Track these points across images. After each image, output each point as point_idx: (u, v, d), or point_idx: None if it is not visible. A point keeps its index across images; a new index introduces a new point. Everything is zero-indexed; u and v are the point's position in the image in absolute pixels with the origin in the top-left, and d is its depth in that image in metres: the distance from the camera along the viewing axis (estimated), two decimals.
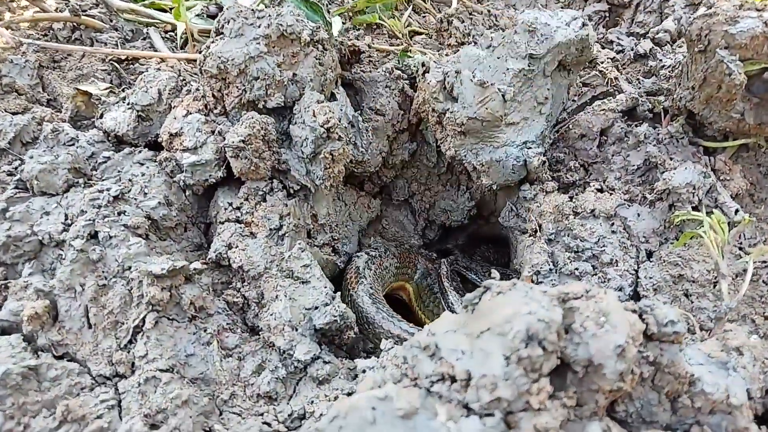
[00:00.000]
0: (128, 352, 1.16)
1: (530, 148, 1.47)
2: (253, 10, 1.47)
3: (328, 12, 1.76)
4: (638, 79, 1.90)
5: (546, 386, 0.79)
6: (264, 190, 1.43)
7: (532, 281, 1.43)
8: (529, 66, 1.45)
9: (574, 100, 1.73)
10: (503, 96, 1.43)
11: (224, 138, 1.40)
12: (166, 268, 1.14)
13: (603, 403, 0.86)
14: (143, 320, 1.16)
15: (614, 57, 1.91)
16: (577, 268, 1.40)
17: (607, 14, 2.54)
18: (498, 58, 1.47)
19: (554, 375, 0.83)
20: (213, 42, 1.46)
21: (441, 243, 2.06)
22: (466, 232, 2.04)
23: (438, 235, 1.95)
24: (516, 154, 1.48)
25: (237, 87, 1.44)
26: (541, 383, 0.79)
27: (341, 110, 1.52)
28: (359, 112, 1.63)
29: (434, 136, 1.58)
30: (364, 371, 1.07)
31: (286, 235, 1.38)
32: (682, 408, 0.95)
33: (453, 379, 0.84)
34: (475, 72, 1.46)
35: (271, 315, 1.24)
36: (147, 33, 2.03)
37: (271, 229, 1.38)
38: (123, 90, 1.68)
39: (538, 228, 1.52)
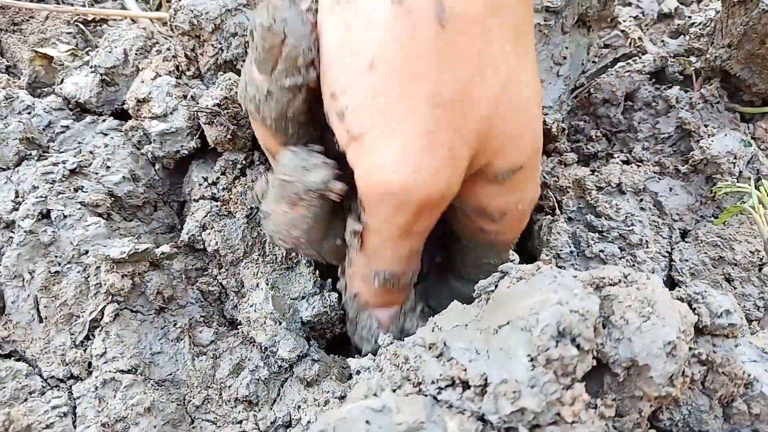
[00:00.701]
0: (84, 350, 1.03)
1: (547, 114, 1.33)
2: None
3: None
4: (663, 40, 1.76)
5: (581, 394, 0.66)
6: (243, 162, 1.29)
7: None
8: (545, 21, 1.31)
9: (594, 62, 1.59)
10: None
11: (198, 103, 1.26)
12: (127, 251, 1.00)
13: (647, 411, 0.73)
14: (101, 313, 1.03)
15: (637, 15, 1.77)
16: (602, 250, 1.26)
17: None
18: None
19: (588, 379, 0.70)
20: None
21: (444, 224, 1.93)
22: None
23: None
24: None
25: (212, 45, 1.30)
26: (575, 390, 0.66)
27: None
28: None
29: None
30: (358, 372, 0.94)
31: None
32: (736, 414, 0.83)
33: (466, 385, 0.70)
34: None
35: (251, 306, 1.10)
36: None
37: (252, 208, 1.24)
38: (87, 53, 1.53)
39: (556, 205, 1.38)
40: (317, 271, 1.18)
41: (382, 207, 0.83)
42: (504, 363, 0.68)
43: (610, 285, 0.77)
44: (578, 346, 0.66)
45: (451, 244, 1.11)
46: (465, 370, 0.70)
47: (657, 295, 0.73)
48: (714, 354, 0.78)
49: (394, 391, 0.76)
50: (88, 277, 1.06)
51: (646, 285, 0.76)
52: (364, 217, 0.88)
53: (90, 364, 1.02)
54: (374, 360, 0.96)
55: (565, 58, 1.33)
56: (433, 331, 0.84)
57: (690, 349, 0.76)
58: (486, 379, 0.68)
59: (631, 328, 0.71)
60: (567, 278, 0.74)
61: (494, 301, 0.81)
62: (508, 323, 0.72)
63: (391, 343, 1.10)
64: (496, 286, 0.83)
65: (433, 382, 0.72)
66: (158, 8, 1.87)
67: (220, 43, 1.29)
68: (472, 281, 0.91)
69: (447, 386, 0.71)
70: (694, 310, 0.79)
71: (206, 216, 1.23)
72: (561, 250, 1.29)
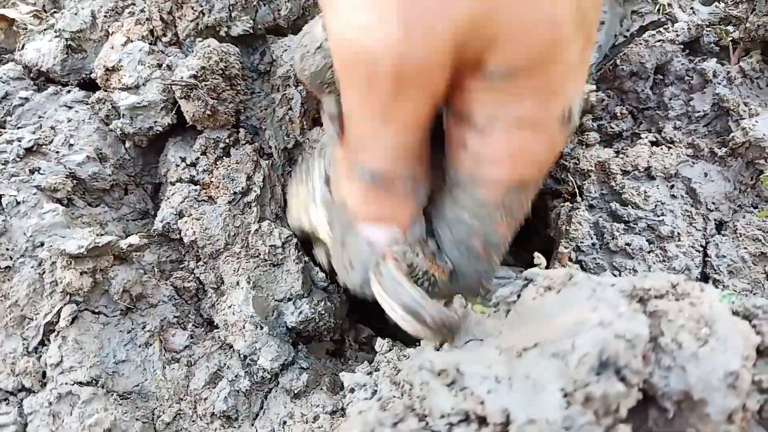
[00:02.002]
0: (38, 358, 0.91)
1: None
2: None
3: None
4: (692, 7, 1.62)
5: None
6: (227, 141, 1.17)
7: (570, 259, 1.17)
8: None
9: (624, 35, 1.46)
10: None
11: (174, 73, 1.13)
12: (85, 245, 0.88)
13: None
14: (57, 315, 0.91)
15: None
16: (628, 243, 1.14)
17: None
18: None
19: (630, 414, 0.58)
20: None
21: None
22: None
23: None
24: None
25: (192, 8, 1.17)
26: None
27: (327, 40, 1.25)
28: None
29: None
30: (352, 390, 0.83)
31: (255, 201, 1.11)
32: None
33: (483, 422, 0.59)
34: None
35: (230, 308, 0.99)
36: None
37: (235, 193, 1.12)
38: (53, 15, 1.39)
39: (577, 191, 1.26)
40: (308, 269, 1.07)
41: (354, 78, 0.69)
42: (531, 397, 0.57)
43: (657, 298, 0.66)
44: (624, 380, 0.55)
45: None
46: (482, 403, 0.59)
47: (715, 313, 0.62)
48: None
49: (395, 425, 0.64)
50: (43, 273, 0.94)
51: (700, 299, 0.64)
52: (342, 98, 0.74)
53: (44, 374, 0.90)
54: (371, 375, 0.85)
55: (602, 23, 1.19)
56: (438, 350, 0.73)
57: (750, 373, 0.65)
58: (508, 416, 0.56)
59: (685, 354, 0.59)
60: (608, 291, 0.63)
61: (517, 314, 0.70)
62: (535, 346, 0.61)
63: (390, 350, 0.99)
64: (519, 296, 0.71)
65: (442, 417, 0.61)
66: None
67: (201, 6, 1.16)
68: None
69: (460, 422, 0.60)
70: (754, 327, 0.67)
71: (183, 201, 1.11)
72: (582, 242, 1.17)
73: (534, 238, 1.62)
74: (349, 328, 1.40)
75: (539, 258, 0.75)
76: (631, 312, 0.59)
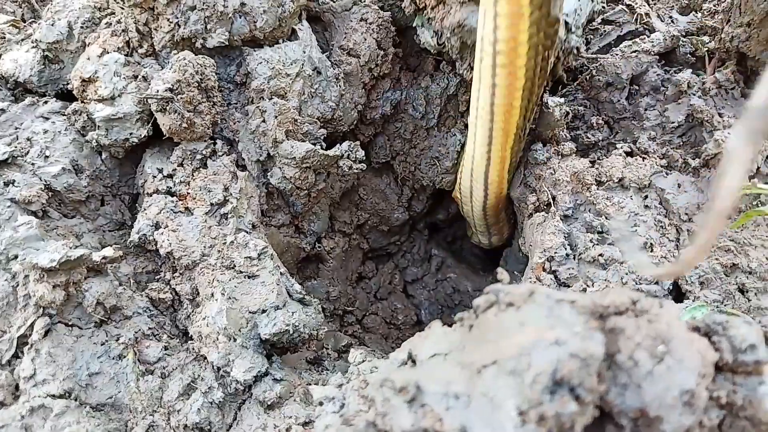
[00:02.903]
0: (11, 371, 0.92)
1: (567, 22, 1.18)
2: None
3: None
4: (671, 16, 1.64)
5: None
6: (204, 153, 1.18)
7: (544, 269, 1.19)
8: None
9: (602, 33, 1.47)
10: None
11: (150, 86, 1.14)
12: (58, 259, 0.89)
13: None
14: (31, 328, 0.92)
15: None
16: (601, 254, 1.16)
17: None
18: None
19: (587, 430, 0.59)
20: None
21: (430, 215, 1.82)
22: None
23: (426, 206, 1.70)
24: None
25: (168, 20, 1.18)
26: None
27: (304, 53, 1.26)
28: (328, 53, 1.36)
29: (433, 26, 1.25)
30: (321, 403, 0.84)
31: (231, 213, 1.12)
32: None
33: None
34: None
35: (204, 319, 1.00)
36: None
37: (212, 204, 1.13)
38: (31, 25, 1.40)
39: (551, 201, 1.27)
40: (283, 281, 1.07)
41: None
42: (488, 415, 0.59)
43: (616, 314, 0.67)
44: (578, 398, 0.56)
45: None
46: (441, 420, 0.60)
47: (673, 330, 0.63)
48: (735, 395, 0.68)
49: None
50: (17, 286, 0.94)
51: (659, 316, 0.65)
52: None
53: (17, 387, 0.91)
54: (342, 387, 0.86)
55: None
56: (405, 364, 0.74)
57: (708, 390, 0.66)
58: None
59: (641, 372, 0.60)
60: (566, 309, 0.64)
61: (479, 330, 0.71)
62: (494, 363, 0.62)
63: (363, 361, 1.00)
64: (482, 311, 0.72)
65: None
66: None
67: (177, 18, 1.17)
68: None
69: None
70: (714, 344, 0.68)
71: (160, 213, 1.12)
72: (555, 253, 1.18)
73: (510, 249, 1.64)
74: (328, 336, 1.41)
75: (502, 273, 0.76)
76: (586, 331, 0.60)
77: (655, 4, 1.69)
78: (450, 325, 0.77)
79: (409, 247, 1.84)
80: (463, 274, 1.84)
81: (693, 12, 1.57)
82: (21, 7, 1.55)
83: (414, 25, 1.35)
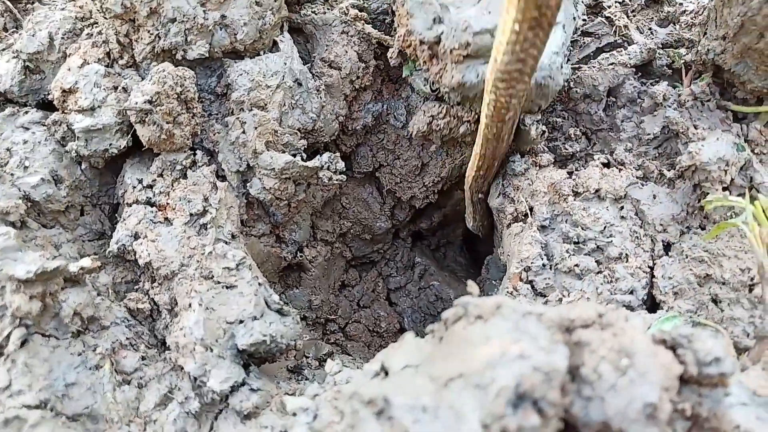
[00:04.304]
0: None
1: (557, 56, 1.19)
2: None
3: None
4: (650, 28, 1.65)
5: None
6: (184, 163, 1.18)
7: (521, 279, 1.19)
8: None
9: (581, 45, 1.48)
10: None
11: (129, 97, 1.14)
12: (34, 270, 0.89)
13: None
14: (7, 339, 0.91)
15: (623, 1, 1.66)
16: (577, 264, 1.17)
17: None
18: None
19: None
20: None
21: (413, 223, 1.83)
22: (441, 210, 1.80)
23: (409, 215, 1.71)
24: (547, 56, 1.19)
25: (148, 31, 1.18)
26: None
27: (285, 65, 1.26)
28: (309, 65, 1.36)
29: (427, 77, 1.28)
30: (294, 414, 0.84)
31: (211, 223, 1.12)
32: None
33: None
34: None
35: (181, 330, 1.00)
36: None
37: (191, 215, 1.13)
38: (12, 35, 1.40)
39: (528, 212, 1.28)
40: (261, 292, 1.07)
41: None
42: (453, 427, 0.59)
43: (583, 327, 0.68)
44: (541, 412, 0.57)
45: None
46: None
47: (637, 344, 0.64)
48: (700, 406, 0.69)
49: None
50: None
51: (624, 330, 0.66)
52: None
53: None
54: (313, 399, 0.86)
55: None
56: (378, 375, 0.74)
57: (672, 402, 0.66)
58: None
59: (604, 385, 0.61)
60: (532, 323, 0.65)
61: (448, 343, 0.71)
62: (460, 376, 0.63)
63: (339, 371, 1.01)
64: (451, 326, 0.73)
65: None
66: None
67: (157, 29, 1.17)
68: None
69: None
70: (679, 357, 0.69)
71: (139, 223, 1.12)
72: (532, 263, 1.19)
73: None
74: (309, 345, 1.41)
75: (472, 286, 0.77)
76: (550, 344, 0.61)
77: (634, 15, 1.70)
78: (423, 336, 0.77)
79: (393, 255, 1.84)
80: (445, 281, 1.84)
81: (671, 24, 1.58)
82: (3, 16, 1.54)
83: (404, 75, 1.37)
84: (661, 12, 1.65)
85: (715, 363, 0.68)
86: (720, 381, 0.69)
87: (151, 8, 1.15)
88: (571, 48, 1.50)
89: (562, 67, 1.20)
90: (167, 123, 1.11)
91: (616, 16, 1.57)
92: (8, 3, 1.54)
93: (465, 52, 1.14)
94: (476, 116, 1.30)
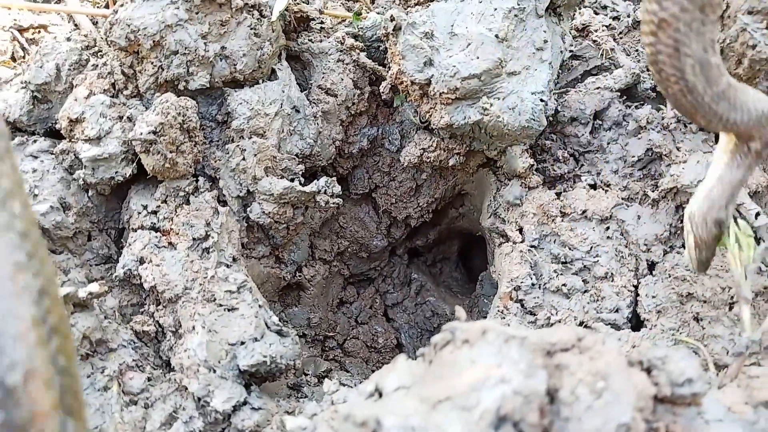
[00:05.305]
0: None
1: (543, 100, 1.25)
2: None
3: None
4: (637, 50, 1.70)
5: None
6: (186, 190, 1.23)
7: (511, 298, 1.24)
8: (518, 4, 1.24)
9: (569, 67, 1.53)
10: (496, 36, 1.22)
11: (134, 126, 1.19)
12: None
13: None
14: None
15: (610, 24, 1.71)
16: (564, 284, 1.21)
17: None
18: (480, 2, 1.26)
19: None
20: (122, 5, 1.24)
21: (409, 240, 1.87)
22: (437, 227, 1.84)
23: (405, 233, 1.75)
24: (531, 99, 1.26)
25: (152, 63, 1.23)
26: None
27: (283, 92, 1.31)
28: (307, 92, 1.41)
29: (417, 110, 1.35)
30: None
31: (213, 247, 1.17)
32: None
33: None
34: (455, 23, 1.25)
35: (185, 352, 1.04)
36: None
37: (194, 239, 1.18)
38: (20, 64, 1.45)
39: (518, 232, 1.32)
40: (261, 314, 1.12)
41: None
42: None
43: (562, 351, 0.72)
44: None
45: None
46: None
47: (612, 367, 0.69)
48: (675, 424, 0.74)
49: None
50: None
51: (600, 353, 0.71)
52: None
53: None
54: (312, 418, 0.91)
55: (546, 41, 1.25)
56: (372, 396, 0.78)
57: (647, 421, 0.71)
58: None
59: (581, 407, 0.66)
60: (513, 348, 0.69)
61: (437, 366, 0.76)
62: (447, 398, 0.67)
63: (337, 390, 1.05)
64: (440, 350, 0.77)
65: None
66: (106, 6, 1.78)
67: (160, 61, 1.22)
68: None
69: None
70: (653, 377, 0.73)
71: (144, 248, 1.17)
72: (522, 282, 1.24)
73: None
74: (308, 362, 1.45)
75: (460, 312, 0.81)
76: (530, 369, 0.65)
77: (621, 37, 1.75)
78: (415, 358, 0.82)
79: (390, 272, 1.88)
80: (441, 297, 1.89)
81: None
82: (12, 43, 1.59)
83: (395, 105, 1.44)
84: None
85: (687, 383, 0.72)
86: (693, 400, 0.73)
87: (154, 41, 1.20)
88: (560, 71, 1.55)
89: (546, 104, 1.26)
90: (171, 152, 1.16)
91: (602, 39, 1.62)
92: (15, 32, 1.59)
93: (453, 96, 1.22)
94: (466, 148, 1.36)
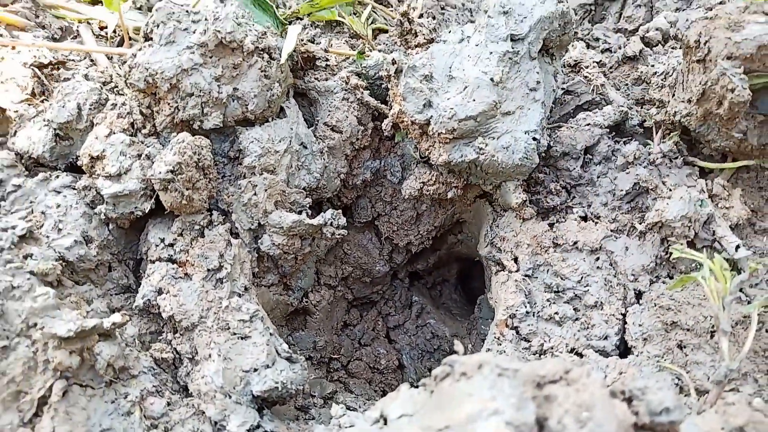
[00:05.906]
0: (32, 429, 1.03)
1: (536, 139, 1.34)
2: (187, 11, 1.33)
3: (284, 22, 1.62)
4: (627, 84, 1.79)
5: None
6: (201, 224, 1.30)
7: (507, 326, 1.31)
8: (513, 48, 1.33)
9: (562, 102, 1.61)
10: (491, 79, 1.30)
11: (153, 163, 1.26)
12: (74, 329, 1.00)
13: None
14: (50, 390, 1.03)
15: (600, 60, 1.79)
16: (557, 312, 1.29)
17: (593, 8, 2.42)
18: (476, 45, 1.34)
19: None
20: (140, 50, 1.32)
21: (410, 264, 1.95)
22: (437, 252, 1.92)
23: (406, 258, 1.83)
24: (524, 138, 1.34)
25: (169, 104, 1.31)
26: None
27: (291, 130, 1.39)
28: (313, 128, 1.50)
29: (417, 146, 1.44)
30: None
31: (226, 277, 1.24)
32: None
33: None
34: (453, 65, 1.34)
35: (203, 378, 1.12)
36: (77, 30, 1.87)
37: (208, 270, 1.25)
38: (42, 101, 1.52)
39: (513, 261, 1.40)
40: (272, 341, 1.19)
41: None
42: None
43: (551, 383, 0.79)
44: None
45: None
46: None
47: (596, 399, 0.75)
48: None
49: None
50: (36, 352, 1.06)
51: (585, 386, 0.78)
52: None
53: None
54: None
55: (538, 82, 1.34)
56: (377, 422, 0.85)
57: None
58: None
59: None
60: (506, 382, 0.76)
61: (438, 397, 0.83)
62: (447, 428, 0.74)
63: (344, 414, 1.12)
64: (440, 382, 0.84)
65: None
66: (120, 44, 1.86)
67: (177, 102, 1.30)
68: None
69: None
70: (633, 406, 0.80)
71: (162, 279, 1.24)
72: (517, 310, 1.31)
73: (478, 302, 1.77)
74: (314, 384, 1.52)
75: (458, 345, 0.88)
76: (521, 401, 0.73)
77: (611, 72, 1.83)
78: (417, 387, 0.89)
79: (391, 295, 1.96)
80: (441, 319, 1.96)
81: (645, 83, 1.71)
82: (32, 80, 1.67)
83: (396, 141, 1.53)
84: (636, 70, 1.78)
85: (665, 412, 0.79)
86: (671, 428, 0.80)
87: (171, 84, 1.28)
88: (553, 106, 1.63)
89: (539, 142, 1.34)
90: (187, 189, 1.24)
91: (593, 75, 1.70)
92: (36, 70, 1.67)
93: (451, 136, 1.30)
94: (464, 182, 1.44)
